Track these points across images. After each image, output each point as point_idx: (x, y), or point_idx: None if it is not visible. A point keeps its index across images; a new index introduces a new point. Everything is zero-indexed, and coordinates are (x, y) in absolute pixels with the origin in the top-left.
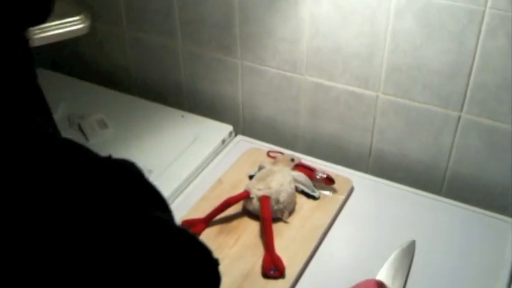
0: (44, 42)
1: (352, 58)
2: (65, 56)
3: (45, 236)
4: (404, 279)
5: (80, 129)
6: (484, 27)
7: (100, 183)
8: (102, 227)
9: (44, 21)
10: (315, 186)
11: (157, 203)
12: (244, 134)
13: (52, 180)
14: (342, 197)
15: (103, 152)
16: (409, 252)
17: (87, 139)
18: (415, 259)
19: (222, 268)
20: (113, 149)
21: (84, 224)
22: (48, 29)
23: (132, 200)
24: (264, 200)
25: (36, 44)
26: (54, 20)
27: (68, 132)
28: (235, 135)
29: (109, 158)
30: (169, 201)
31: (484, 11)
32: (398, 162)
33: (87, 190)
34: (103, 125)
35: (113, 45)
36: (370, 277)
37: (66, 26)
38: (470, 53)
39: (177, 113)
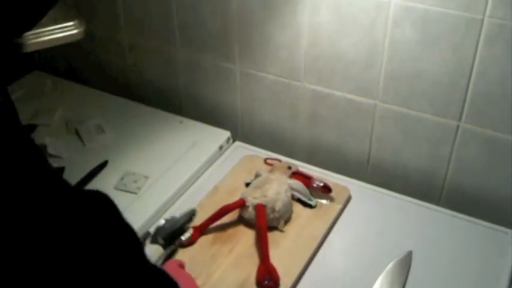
0: (38, 47)
1: (351, 66)
2: (63, 61)
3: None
4: None
5: (77, 133)
6: (482, 36)
7: (73, 219)
8: (76, 267)
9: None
10: (311, 194)
11: (128, 237)
12: (242, 140)
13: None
14: (338, 206)
15: (99, 157)
16: (405, 263)
17: (83, 144)
18: (411, 270)
19: (217, 277)
20: (110, 155)
21: (61, 266)
22: (43, 34)
23: (105, 238)
24: (259, 208)
25: (30, 49)
26: (48, 25)
27: (65, 137)
28: (233, 141)
29: (81, 191)
30: (164, 208)
31: (482, 20)
32: (396, 171)
33: (60, 228)
34: (100, 130)
35: (111, 50)
36: None
37: (60, 31)
38: (469, 62)
39: (175, 118)
